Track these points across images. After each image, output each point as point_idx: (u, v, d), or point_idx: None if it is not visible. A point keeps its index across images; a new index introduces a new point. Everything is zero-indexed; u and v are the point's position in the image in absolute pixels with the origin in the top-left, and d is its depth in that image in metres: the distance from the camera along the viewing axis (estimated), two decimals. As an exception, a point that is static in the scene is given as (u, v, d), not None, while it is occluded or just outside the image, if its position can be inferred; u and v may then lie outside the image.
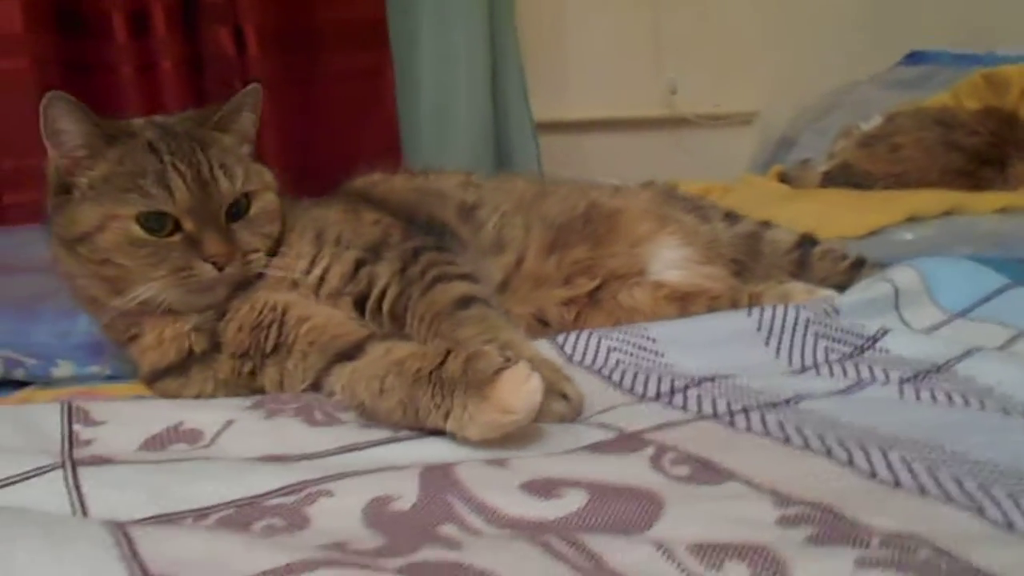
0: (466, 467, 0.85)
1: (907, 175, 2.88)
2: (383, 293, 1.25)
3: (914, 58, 3.83)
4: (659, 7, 3.86)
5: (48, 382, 1.31)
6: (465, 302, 1.18)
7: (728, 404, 1.05)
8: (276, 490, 0.80)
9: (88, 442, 0.93)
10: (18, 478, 0.79)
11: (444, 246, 1.32)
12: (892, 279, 1.44)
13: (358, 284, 1.27)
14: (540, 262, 1.41)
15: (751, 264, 1.54)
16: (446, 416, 0.94)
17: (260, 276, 1.24)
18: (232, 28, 2.99)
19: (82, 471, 0.80)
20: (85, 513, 0.77)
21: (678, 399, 1.08)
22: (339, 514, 0.77)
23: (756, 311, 1.29)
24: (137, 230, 1.17)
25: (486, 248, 1.40)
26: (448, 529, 0.75)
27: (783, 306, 1.28)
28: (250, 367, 1.21)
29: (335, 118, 3.13)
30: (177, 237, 1.18)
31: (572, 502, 0.78)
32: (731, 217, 1.62)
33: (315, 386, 1.16)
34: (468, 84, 3.35)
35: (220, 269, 1.17)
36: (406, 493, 0.80)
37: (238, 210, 1.22)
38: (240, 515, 0.77)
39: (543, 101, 3.60)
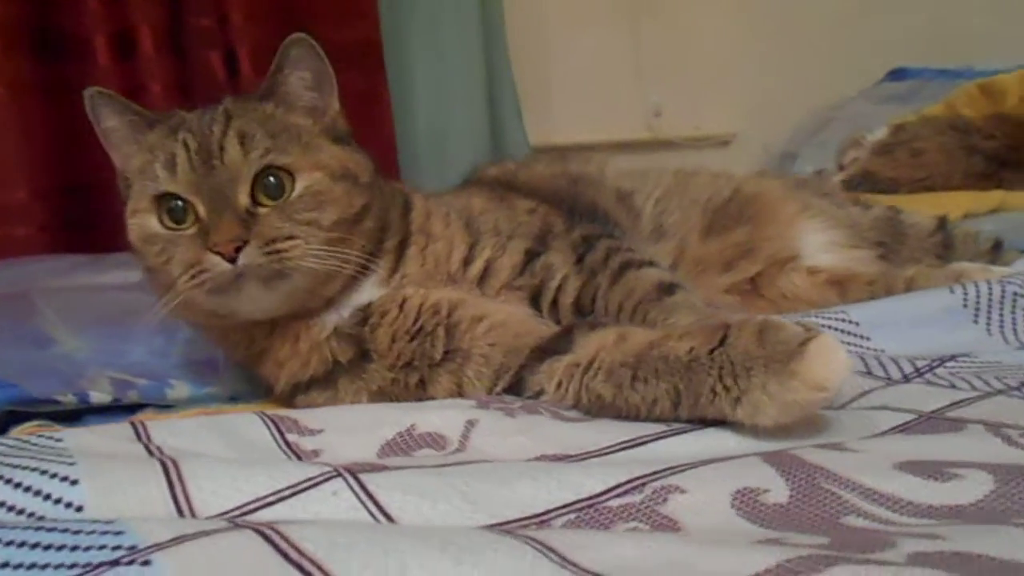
0: (810, 452, 0.70)
1: (931, 179, 2.86)
2: (560, 285, 1.10)
3: (898, 74, 3.89)
4: (641, 34, 3.84)
5: (163, 405, 1.11)
6: (668, 288, 1.04)
7: (1002, 380, 0.92)
8: (607, 491, 0.64)
9: (317, 452, 0.76)
10: (288, 491, 0.62)
11: (611, 233, 1.17)
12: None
13: (533, 276, 1.11)
14: (702, 247, 1.27)
15: (896, 247, 1.44)
16: (736, 401, 0.78)
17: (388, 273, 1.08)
18: (223, 52, 2.82)
19: (366, 478, 0.63)
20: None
21: (937, 378, 0.96)
22: (707, 512, 0.62)
23: (959, 288, 1.17)
24: (151, 223, 1.01)
25: (646, 235, 1.26)
26: (855, 520, 0.60)
27: (987, 282, 1.17)
28: (417, 378, 1.04)
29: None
30: (192, 228, 1.00)
31: (980, 483, 0.64)
32: (859, 202, 1.51)
33: (509, 389, 1.00)
34: (464, 108, 3.25)
35: (231, 261, 0.96)
36: (770, 484, 0.65)
37: (274, 189, 1.01)
38: (587, 519, 0.61)
39: (531, 127, 3.52)
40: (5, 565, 0.48)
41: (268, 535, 0.49)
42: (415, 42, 3.20)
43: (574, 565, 0.47)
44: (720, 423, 0.81)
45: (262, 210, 1.00)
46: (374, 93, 3.02)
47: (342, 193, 1.04)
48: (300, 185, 1.02)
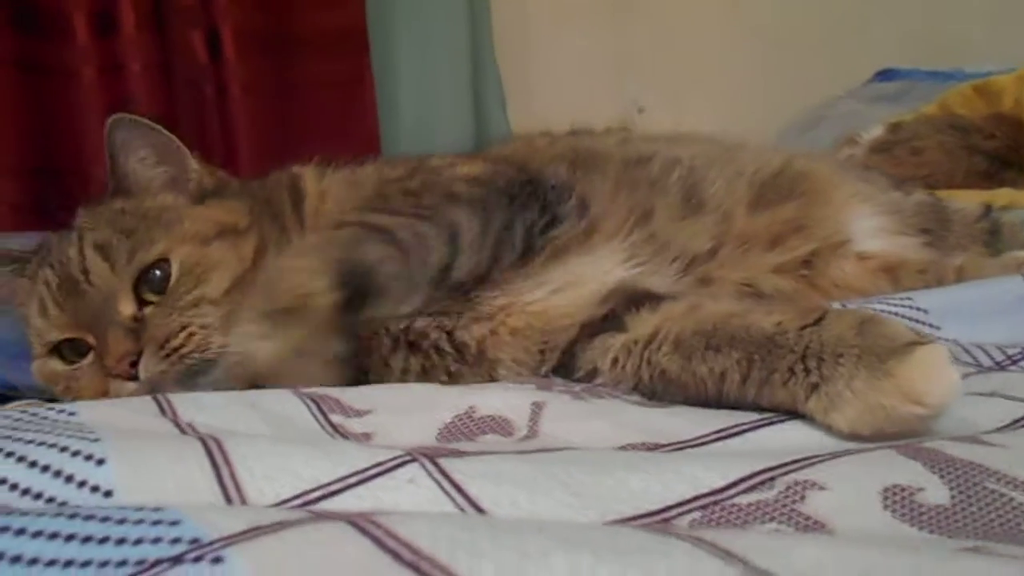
0: (949, 446, 0.60)
1: (933, 178, 2.80)
2: None
3: (887, 75, 3.85)
4: (625, 30, 3.80)
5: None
6: None
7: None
8: (729, 485, 0.54)
9: (368, 435, 0.65)
10: (354, 478, 0.51)
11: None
12: None
13: None
14: (749, 221, 1.17)
15: (942, 234, 1.34)
16: (812, 388, 0.69)
17: None
18: (205, 31, 2.70)
19: (447, 464, 0.52)
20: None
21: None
22: (856, 512, 0.52)
23: (1033, 276, 1.09)
24: (55, 365, 0.94)
25: (673, 206, 1.15)
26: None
27: (1067, 270, 1.09)
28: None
29: (314, 128, 2.85)
30: (90, 356, 0.92)
31: None
32: (900, 186, 1.43)
33: (555, 369, 0.92)
34: (449, 98, 3.17)
35: (133, 378, 0.87)
36: (923, 483, 0.55)
37: (160, 283, 0.92)
38: (715, 517, 0.51)
39: (513, 121, 3.45)
40: (34, 562, 0.37)
41: (366, 528, 0.38)
42: (401, 30, 3.11)
43: (756, 568, 0.37)
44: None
45: (148, 313, 0.90)
46: (358, 81, 2.95)
47: (224, 252, 0.95)
48: (174, 266, 0.93)
